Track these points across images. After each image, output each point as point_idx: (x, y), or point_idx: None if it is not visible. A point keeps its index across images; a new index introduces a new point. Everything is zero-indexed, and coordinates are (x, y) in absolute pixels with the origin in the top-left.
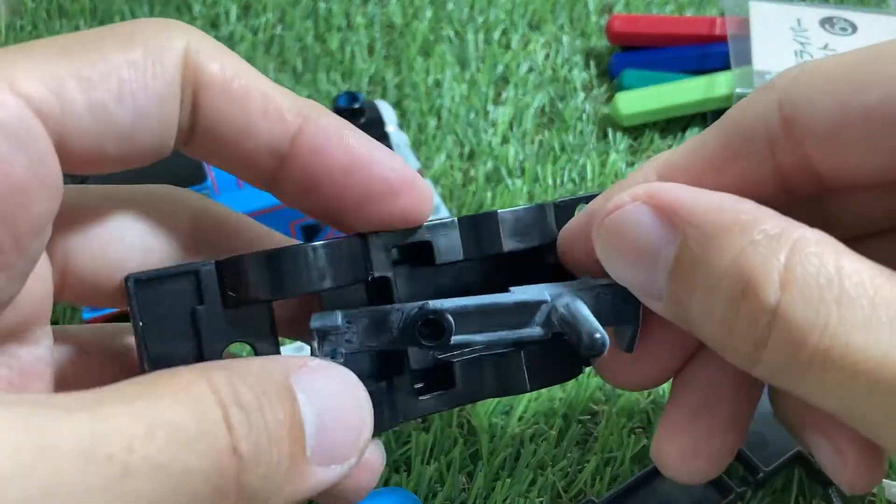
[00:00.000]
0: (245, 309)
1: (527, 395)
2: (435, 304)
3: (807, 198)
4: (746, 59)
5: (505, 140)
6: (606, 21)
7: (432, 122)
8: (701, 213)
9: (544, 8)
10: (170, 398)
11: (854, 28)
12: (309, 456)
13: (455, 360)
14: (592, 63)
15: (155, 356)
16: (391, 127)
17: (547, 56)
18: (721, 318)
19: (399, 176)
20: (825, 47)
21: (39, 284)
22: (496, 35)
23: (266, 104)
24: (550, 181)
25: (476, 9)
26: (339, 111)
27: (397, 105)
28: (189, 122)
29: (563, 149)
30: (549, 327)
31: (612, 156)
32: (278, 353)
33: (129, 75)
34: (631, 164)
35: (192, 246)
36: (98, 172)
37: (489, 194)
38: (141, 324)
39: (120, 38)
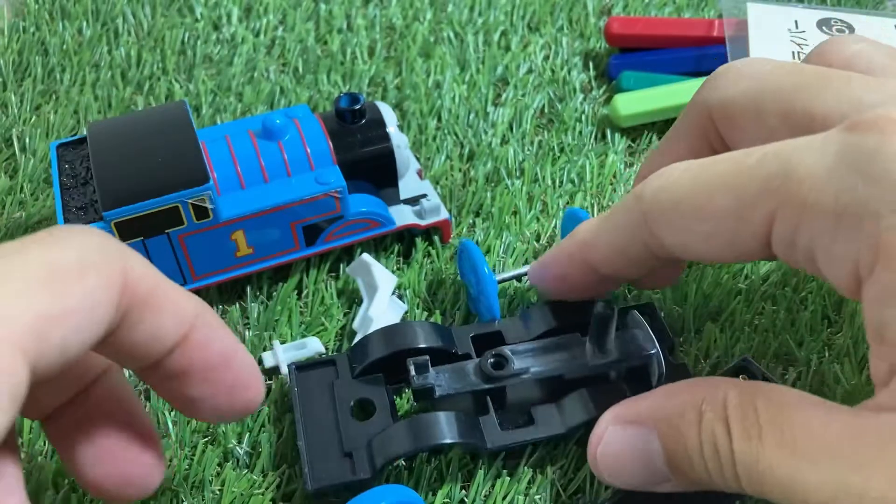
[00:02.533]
0: (365, 377)
1: None
2: (497, 348)
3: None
4: None
5: (504, 141)
6: (605, 23)
7: (432, 123)
8: (658, 408)
9: (543, 10)
10: None
11: (851, 29)
12: None
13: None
14: (591, 64)
15: (307, 421)
16: (391, 128)
17: (546, 57)
18: (713, 467)
19: (254, 374)
20: None
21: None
22: (496, 36)
23: (174, 306)
24: (550, 182)
25: (476, 10)
26: (340, 112)
27: (397, 106)
28: (109, 333)
29: (562, 149)
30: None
31: (611, 156)
32: (389, 403)
33: (86, 306)
34: (630, 165)
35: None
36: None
37: (489, 195)
38: (298, 398)
39: (79, 272)
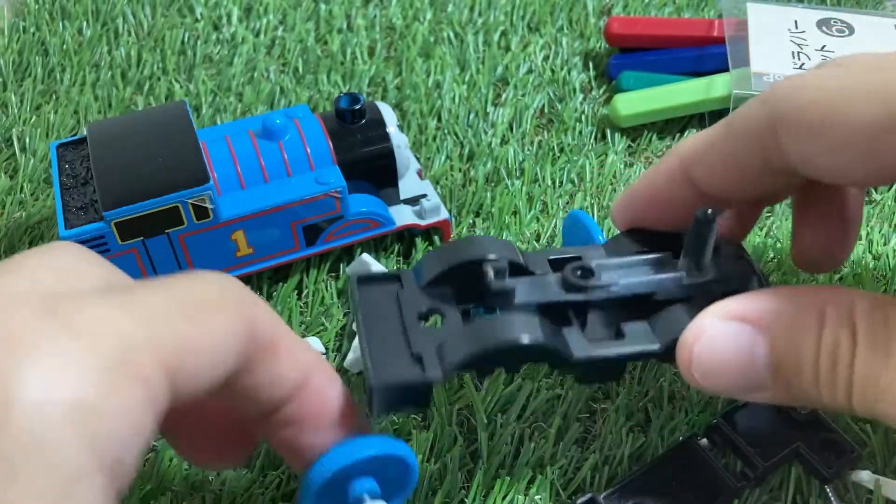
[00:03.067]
0: (432, 289)
1: (526, 393)
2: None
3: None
4: (744, 60)
5: (504, 141)
6: (605, 23)
7: (432, 123)
8: (772, 307)
9: (543, 10)
10: None
11: (851, 29)
12: None
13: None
14: (591, 65)
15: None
16: (391, 128)
17: (546, 57)
18: (825, 378)
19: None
20: (822, 49)
21: None
22: (496, 37)
23: (293, 355)
24: (550, 182)
25: (476, 10)
26: (340, 112)
27: (397, 106)
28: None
29: (562, 149)
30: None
31: (611, 156)
32: (460, 314)
33: (215, 343)
34: (629, 165)
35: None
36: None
37: (489, 195)
38: (360, 305)
39: (210, 306)
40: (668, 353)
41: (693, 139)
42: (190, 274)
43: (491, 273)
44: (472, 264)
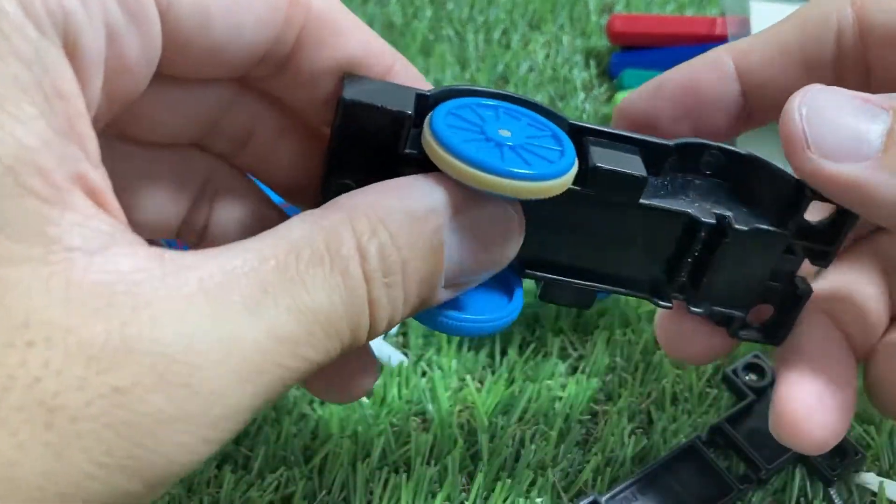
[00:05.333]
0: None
1: (526, 394)
2: None
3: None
4: None
5: None
6: (607, 21)
7: None
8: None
9: (544, 7)
10: (328, 288)
11: None
12: (441, 284)
13: None
14: (592, 63)
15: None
16: None
17: (547, 56)
18: None
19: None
20: None
21: None
22: (496, 35)
23: (367, 41)
24: None
25: (476, 8)
26: None
27: None
28: (287, 55)
29: None
30: None
31: None
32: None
33: None
34: None
35: None
36: (174, 73)
37: None
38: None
39: None
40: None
41: (746, 39)
42: None
43: None
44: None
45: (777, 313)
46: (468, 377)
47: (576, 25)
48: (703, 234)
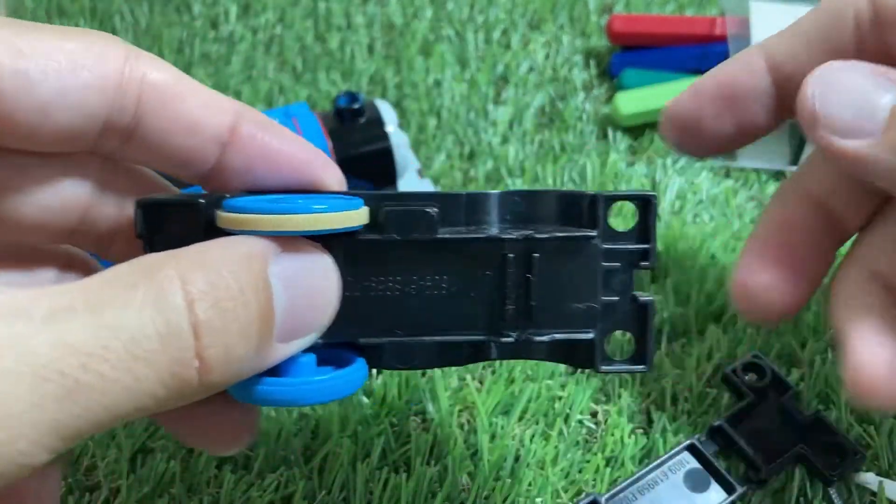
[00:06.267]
0: None
1: (526, 394)
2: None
3: None
4: None
5: (505, 140)
6: (606, 21)
7: (432, 122)
8: None
9: (544, 7)
10: (137, 306)
11: None
12: (275, 337)
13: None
14: (592, 63)
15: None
16: (391, 127)
17: (547, 56)
18: None
19: (316, 153)
20: None
21: None
22: (496, 35)
23: (206, 101)
24: (550, 181)
25: (476, 8)
26: (340, 111)
27: (397, 105)
28: (130, 123)
29: (563, 148)
30: None
31: (612, 156)
32: None
33: (58, 58)
34: (631, 164)
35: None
36: (8, 144)
37: None
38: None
39: (64, 32)
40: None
41: (775, 36)
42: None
43: None
44: None
45: (633, 333)
46: (468, 377)
47: (576, 25)
48: (511, 255)
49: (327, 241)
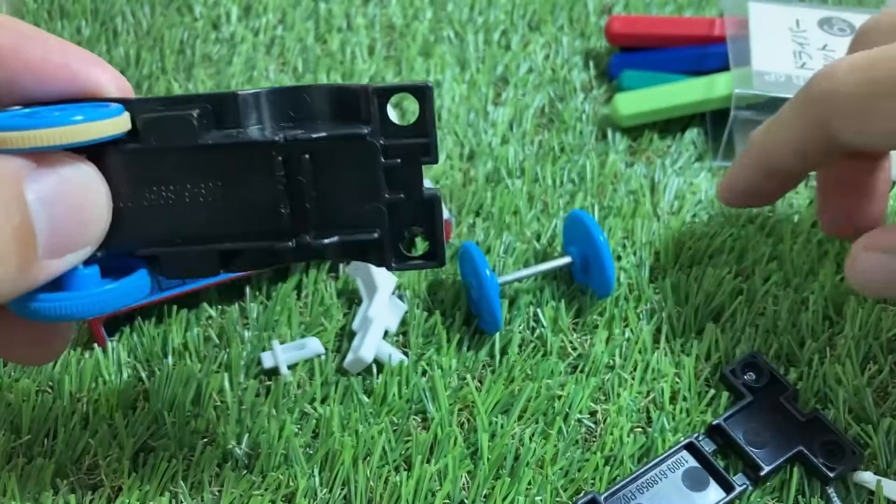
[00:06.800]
0: None
1: (526, 394)
2: None
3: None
4: (745, 59)
5: (505, 140)
6: (606, 22)
7: None
8: None
9: (544, 9)
10: None
11: (852, 29)
12: (40, 254)
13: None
14: (592, 64)
15: None
16: None
17: (546, 57)
18: None
19: (93, 61)
20: (824, 48)
21: None
22: (496, 36)
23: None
24: (550, 181)
25: (476, 10)
26: None
27: (397, 105)
28: None
29: (562, 149)
30: None
31: (612, 156)
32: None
33: None
34: (630, 165)
35: None
36: None
37: (489, 194)
38: None
39: None
40: None
41: (761, 133)
42: None
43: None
44: None
45: (424, 229)
46: (468, 376)
47: (575, 27)
48: (280, 158)
49: (96, 152)
